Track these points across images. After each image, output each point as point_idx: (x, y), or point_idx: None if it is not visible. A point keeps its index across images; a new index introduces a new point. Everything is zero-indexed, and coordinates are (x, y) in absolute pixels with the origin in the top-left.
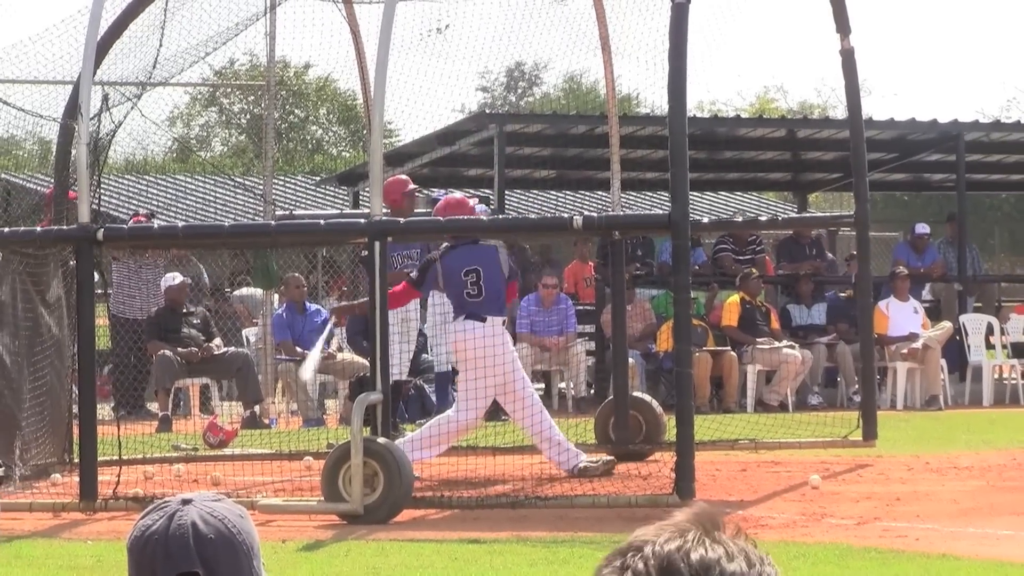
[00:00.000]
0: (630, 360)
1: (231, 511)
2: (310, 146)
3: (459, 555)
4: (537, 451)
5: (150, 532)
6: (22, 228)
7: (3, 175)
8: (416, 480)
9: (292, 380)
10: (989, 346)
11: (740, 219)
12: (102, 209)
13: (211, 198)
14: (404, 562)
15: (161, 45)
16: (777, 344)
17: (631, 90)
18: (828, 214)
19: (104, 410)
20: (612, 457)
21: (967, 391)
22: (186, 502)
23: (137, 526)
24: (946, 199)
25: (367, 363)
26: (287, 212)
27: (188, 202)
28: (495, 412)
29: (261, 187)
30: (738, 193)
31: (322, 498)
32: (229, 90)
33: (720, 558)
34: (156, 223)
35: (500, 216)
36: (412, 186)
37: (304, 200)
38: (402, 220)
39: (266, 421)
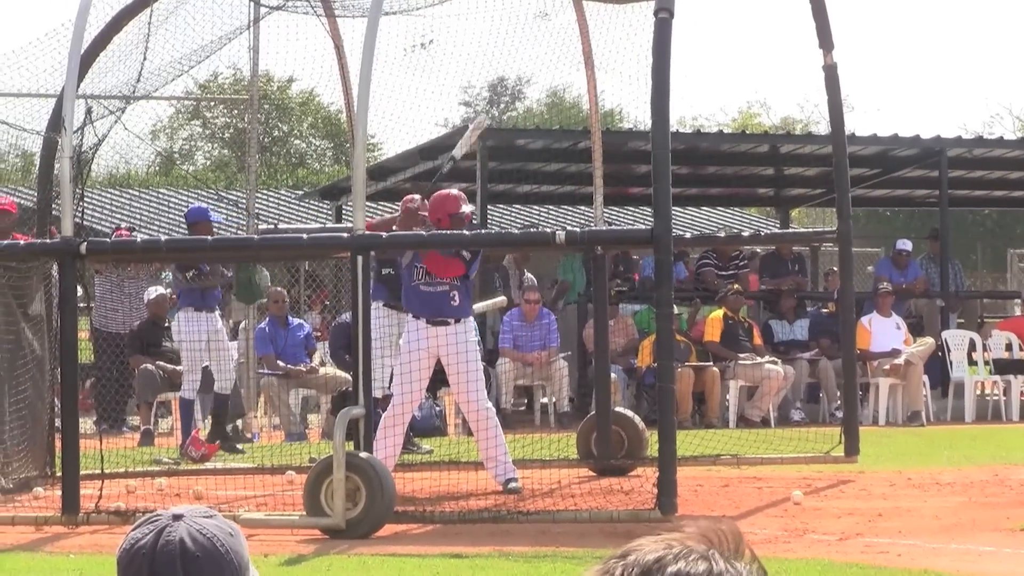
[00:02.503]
0: (612, 375)
1: (221, 529)
2: (293, 160)
3: (441, 570)
4: (519, 466)
5: (138, 547)
6: (5, 241)
7: None
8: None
9: (274, 394)
10: (971, 362)
11: (722, 234)
12: (85, 223)
13: None
14: None
15: (145, 58)
16: (759, 360)
17: (614, 105)
18: (810, 230)
19: (86, 424)
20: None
21: (949, 407)
22: (177, 518)
23: (127, 539)
24: (928, 215)
25: (349, 377)
26: (271, 226)
27: (171, 215)
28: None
29: (244, 201)
30: (720, 208)
31: (304, 512)
32: (212, 103)
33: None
34: (138, 236)
35: (483, 231)
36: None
37: (287, 214)
38: (384, 234)
39: (248, 435)
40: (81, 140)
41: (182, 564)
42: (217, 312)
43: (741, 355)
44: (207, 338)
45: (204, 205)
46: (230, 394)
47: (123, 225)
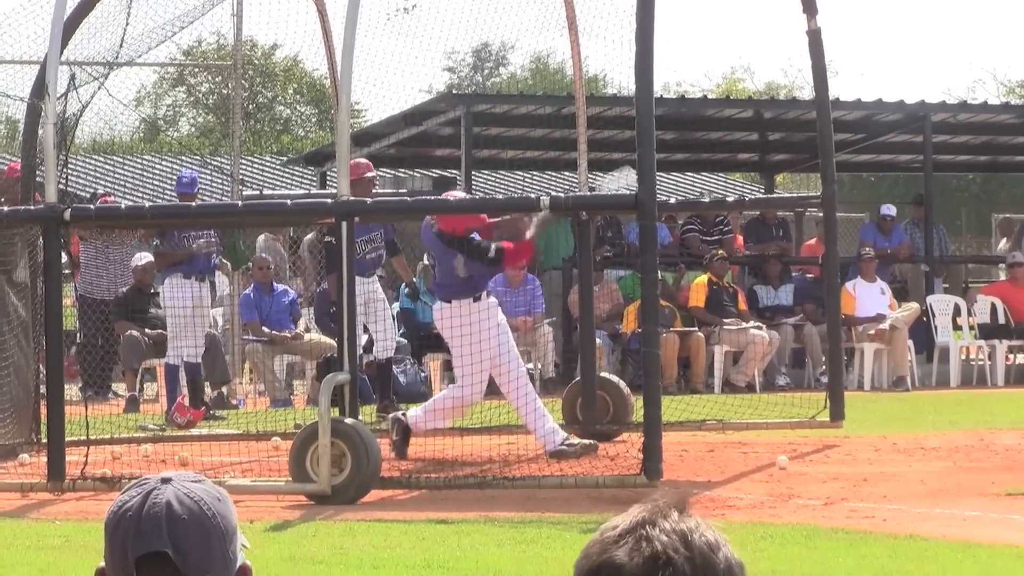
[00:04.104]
0: (597, 341)
1: (209, 493)
2: (278, 126)
3: (427, 535)
4: (506, 431)
5: (124, 509)
6: None
7: None
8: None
9: (259, 360)
10: (956, 327)
11: (707, 200)
12: (69, 189)
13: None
14: (372, 542)
15: (128, 24)
16: (744, 325)
17: (598, 70)
18: (795, 195)
19: (71, 390)
20: (593, 442)
21: (934, 372)
22: (165, 481)
23: (115, 502)
24: (913, 180)
25: (334, 343)
26: (256, 192)
27: (155, 182)
28: None
29: (229, 167)
30: (705, 174)
31: (290, 478)
32: (196, 70)
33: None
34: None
35: (467, 196)
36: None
37: (272, 180)
38: (369, 200)
39: (234, 401)
40: (65, 106)
41: (168, 526)
42: (207, 280)
43: (726, 320)
44: (191, 304)
45: (193, 173)
46: (201, 362)
47: (100, 191)
